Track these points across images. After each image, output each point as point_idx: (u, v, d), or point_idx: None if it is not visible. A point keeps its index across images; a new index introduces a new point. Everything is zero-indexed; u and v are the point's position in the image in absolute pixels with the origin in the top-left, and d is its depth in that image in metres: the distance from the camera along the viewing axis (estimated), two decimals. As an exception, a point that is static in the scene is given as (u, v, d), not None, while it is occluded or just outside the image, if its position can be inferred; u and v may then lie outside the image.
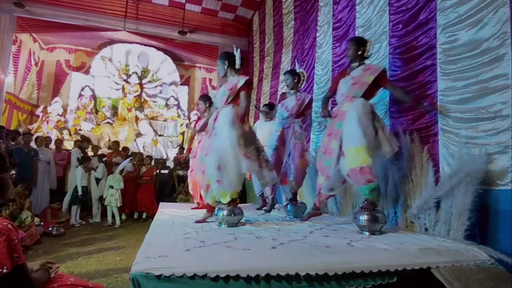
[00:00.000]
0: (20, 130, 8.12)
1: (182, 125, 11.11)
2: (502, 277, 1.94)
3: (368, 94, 2.96)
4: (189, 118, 11.45)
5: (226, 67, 3.12)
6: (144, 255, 1.80)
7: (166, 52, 11.28)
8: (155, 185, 7.70)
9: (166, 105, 11.37)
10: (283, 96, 4.10)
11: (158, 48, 11.10)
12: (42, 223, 5.26)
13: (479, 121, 2.54)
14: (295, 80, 3.96)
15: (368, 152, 2.69)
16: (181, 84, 11.79)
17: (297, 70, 4.08)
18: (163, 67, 11.52)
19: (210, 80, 12.35)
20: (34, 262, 1.61)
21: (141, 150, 10.05)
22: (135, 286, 1.56)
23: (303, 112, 3.91)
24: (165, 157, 10.16)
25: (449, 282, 1.82)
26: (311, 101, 4.00)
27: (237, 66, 3.12)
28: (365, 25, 4.12)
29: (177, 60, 11.74)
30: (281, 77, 7.02)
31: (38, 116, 10.17)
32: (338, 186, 3.04)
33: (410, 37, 3.32)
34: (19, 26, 8.75)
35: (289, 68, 6.65)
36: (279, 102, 4.16)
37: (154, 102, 11.33)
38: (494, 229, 2.38)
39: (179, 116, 11.32)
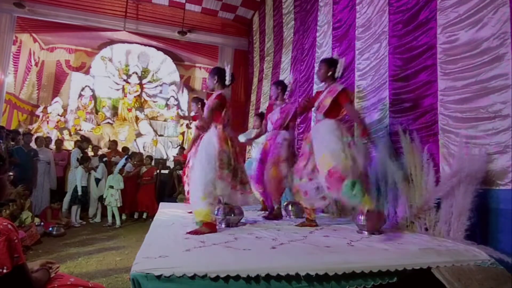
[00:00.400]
0: (20, 130, 8.12)
1: (182, 125, 11.11)
2: (502, 277, 1.94)
3: (332, 114, 2.99)
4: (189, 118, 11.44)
5: (215, 82, 3.07)
6: (144, 255, 1.80)
7: (166, 52, 11.27)
8: (155, 185, 7.70)
9: (166, 105, 11.37)
10: (270, 108, 4.00)
11: (158, 48, 11.09)
12: (42, 223, 5.26)
13: (479, 121, 2.54)
14: (279, 90, 3.89)
15: (332, 157, 2.69)
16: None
17: (289, 79, 4.05)
18: (163, 67, 11.53)
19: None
20: (34, 262, 1.61)
21: (141, 150, 10.06)
22: (135, 286, 1.56)
23: (289, 124, 3.80)
24: (165, 157, 10.16)
25: (449, 282, 1.82)
26: (295, 113, 3.84)
27: (227, 82, 3.07)
28: (365, 25, 4.12)
29: (177, 60, 11.74)
30: (281, 77, 7.02)
31: (38, 116, 10.17)
32: (319, 202, 3.00)
33: (410, 37, 3.32)
34: (19, 26, 8.75)
35: (288, 68, 6.66)
36: (266, 114, 4.06)
37: (154, 102, 11.34)
38: (495, 229, 2.38)
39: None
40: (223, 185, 2.79)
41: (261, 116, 4.50)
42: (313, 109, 3.27)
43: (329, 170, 2.68)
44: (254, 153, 3.92)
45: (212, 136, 2.88)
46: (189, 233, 2.50)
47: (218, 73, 3.09)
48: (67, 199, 6.43)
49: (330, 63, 3.09)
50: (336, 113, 3.01)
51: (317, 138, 2.93)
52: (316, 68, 5.33)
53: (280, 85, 3.94)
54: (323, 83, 3.21)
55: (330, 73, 3.05)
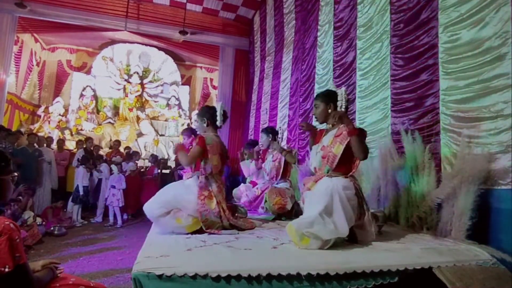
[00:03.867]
0: (22, 130, 8.14)
1: (183, 125, 11.12)
2: (504, 277, 1.93)
3: (343, 166, 2.34)
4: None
5: (205, 124, 2.78)
6: (145, 254, 1.81)
7: (167, 52, 11.28)
8: (158, 184, 7.72)
9: (167, 105, 11.39)
10: (264, 152, 3.84)
11: (159, 48, 11.11)
12: (44, 223, 5.27)
13: (481, 121, 2.53)
14: (270, 139, 3.71)
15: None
16: (182, 84, 11.80)
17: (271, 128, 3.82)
18: (164, 67, 11.54)
19: (211, 80, 12.36)
20: (36, 262, 1.62)
21: (143, 150, 10.08)
22: (136, 286, 1.56)
23: (285, 171, 3.59)
24: (166, 157, 10.17)
25: (451, 282, 1.81)
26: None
27: (219, 123, 2.78)
28: (366, 25, 4.11)
29: (178, 60, 11.75)
30: (282, 77, 7.02)
31: (39, 116, 10.20)
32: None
33: (412, 36, 3.31)
34: (21, 27, 8.76)
35: (289, 68, 6.66)
36: (259, 158, 3.88)
37: (155, 102, 11.35)
38: (496, 228, 2.37)
39: (180, 116, 11.33)
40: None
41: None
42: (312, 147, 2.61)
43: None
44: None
45: (192, 188, 2.57)
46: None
47: (208, 113, 2.77)
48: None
49: (327, 98, 2.49)
50: (348, 166, 2.36)
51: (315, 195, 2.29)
52: (316, 69, 5.35)
53: (271, 132, 3.76)
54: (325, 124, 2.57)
55: (330, 110, 2.46)
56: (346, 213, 2.11)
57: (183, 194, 2.54)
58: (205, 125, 2.79)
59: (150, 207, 2.47)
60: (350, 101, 2.60)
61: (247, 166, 4.03)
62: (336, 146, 2.32)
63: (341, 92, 2.42)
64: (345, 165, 2.33)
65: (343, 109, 2.38)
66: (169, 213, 2.44)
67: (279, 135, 3.83)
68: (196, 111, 3.09)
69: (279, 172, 3.58)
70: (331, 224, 2.07)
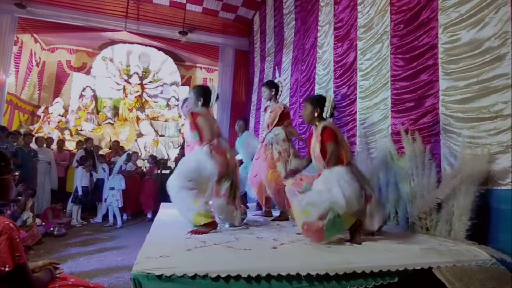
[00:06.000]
0: (22, 130, 8.14)
1: (183, 125, 11.12)
2: (503, 277, 1.93)
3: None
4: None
5: (200, 103, 2.95)
6: (145, 255, 1.81)
7: (167, 52, 11.28)
8: (158, 184, 7.71)
9: (167, 105, 11.38)
10: (266, 109, 3.93)
11: (159, 49, 11.10)
12: (43, 223, 5.27)
13: (481, 121, 2.53)
14: (272, 93, 3.77)
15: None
16: (182, 85, 11.80)
17: (277, 79, 3.95)
18: (164, 67, 11.54)
19: (211, 80, 12.36)
20: (36, 263, 1.62)
21: (142, 151, 10.08)
22: (136, 286, 1.56)
23: (279, 123, 3.66)
24: (166, 157, 10.16)
25: (451, 282, 1.81)
26: (287, 112, 3.75)
27: (211, 103, 2.99)
28: (366, 25, 4.12)
29: (178, 60, 11.75)
30: (282, 77, 7.02)
31: (39, 117, 10.20)
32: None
33: (412, 36, 3.32)
34: (20, 27, 8.75)
35: (289, 68, 6.66)
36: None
37: (155, 102, 11.34)
38: (496, 229, 2.37)
39: (180, 117, 11.33)
40: (219, 202, 2.73)
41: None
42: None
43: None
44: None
45: (207, 155, 2.72)
46: (192, 232, 2.49)
47: (204, 94, 2.94)
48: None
49: (316, 102, 2.70)
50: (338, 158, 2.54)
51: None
52: (317, 70, 5.35)
53: (273, 86, 3.82)
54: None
55: (316, 113, 2.66)
56: (344, 189, 2.27)
57: (202, 161, 2.71)
58: (199, 103, 2.94)
59: (175, 179, 2.71)
60: (335, 108, 2.83)
61: (245, 139, 4.29)
62: (316, 146, 2.60)
63: (329, 98, 2.66)
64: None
65: (327, 115, 2.64)
66: (192, 190, 2.62)
67: (280, 89, 3.88)
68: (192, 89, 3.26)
69: (274, 121, 3.67)
70: (327, 193, 2.28)
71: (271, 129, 3.67)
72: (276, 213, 3.83)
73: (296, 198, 2.41)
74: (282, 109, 3.69)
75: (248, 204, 4.45)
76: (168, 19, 9.49)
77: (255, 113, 8.79)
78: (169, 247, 2.01)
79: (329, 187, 2.32)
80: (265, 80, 8.14)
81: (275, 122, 3.66)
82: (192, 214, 2.59)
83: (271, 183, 3.48)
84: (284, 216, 3.52)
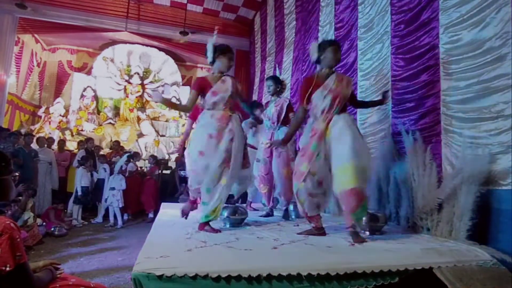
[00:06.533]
0: (22, 130, 8.14)
1: (183, 125, 11.12)
2: (504, 278, 1.93)
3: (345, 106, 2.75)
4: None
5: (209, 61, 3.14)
6: (145, 255, 1.81)
7: (167, 52, 11.28)
8: (158, 185, 7.72)
9: (168, 105, 11.36)
10: (267, 105, 3.97)
11: (160, 49, 11.11)
12: (44, 224, 5.27)
13: (482, 121, 2.53)
14: (278, 89, 3.83)
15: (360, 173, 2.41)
16: (183, 85, 11.80)
17: (279, 77, 4.00)
18: (165, 67, 11.54)
19: (212, 80, 12.34)
20: (37, 263, 1.62)
21: (143, 151, 10.08)
22: (136, 286, 1.56)
23: (286, 118, 3.69)
24: (166, 157, 10.16)
25: (451, 282, 1.81)
26: (290, 104, 3.80)
27: (210, 59, 3.09)
28: (367, 25, 4.12)
29: (178, 60, 11.75)
30: (282, 77, 7.01)
31: (40, 117, 10.19)
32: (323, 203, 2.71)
33: (412, 37, 3.31)
34: (21, 27, 8.76)
35: (290, 68, 6.66)
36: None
37: (156, 102, 11.34)
38: (497, 229, 2.37)
39: (180, 117, 11.33)
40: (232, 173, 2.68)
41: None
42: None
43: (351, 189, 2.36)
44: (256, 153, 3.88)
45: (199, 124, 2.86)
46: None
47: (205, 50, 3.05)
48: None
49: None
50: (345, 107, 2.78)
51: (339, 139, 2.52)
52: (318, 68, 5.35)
53: (280, 83, 3.88)
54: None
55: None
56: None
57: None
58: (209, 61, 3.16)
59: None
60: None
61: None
62: (344, 89, 2.64)
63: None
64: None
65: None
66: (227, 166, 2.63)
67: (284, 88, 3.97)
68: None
69: (280, 118, 3.70)
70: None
71: (279, 126, 3.71)
72: (276, 213, 3.86)
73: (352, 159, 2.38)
74: (288, 101, 3.77)
75: (253, 205, 4.45)
76: (168, 19, 9.50)
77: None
78: (170, 247, 2.01)
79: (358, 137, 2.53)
80: (265, 80, 8.15)
81: (283, 115, 3.71)
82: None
83: (286, 181, 3.48)
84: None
